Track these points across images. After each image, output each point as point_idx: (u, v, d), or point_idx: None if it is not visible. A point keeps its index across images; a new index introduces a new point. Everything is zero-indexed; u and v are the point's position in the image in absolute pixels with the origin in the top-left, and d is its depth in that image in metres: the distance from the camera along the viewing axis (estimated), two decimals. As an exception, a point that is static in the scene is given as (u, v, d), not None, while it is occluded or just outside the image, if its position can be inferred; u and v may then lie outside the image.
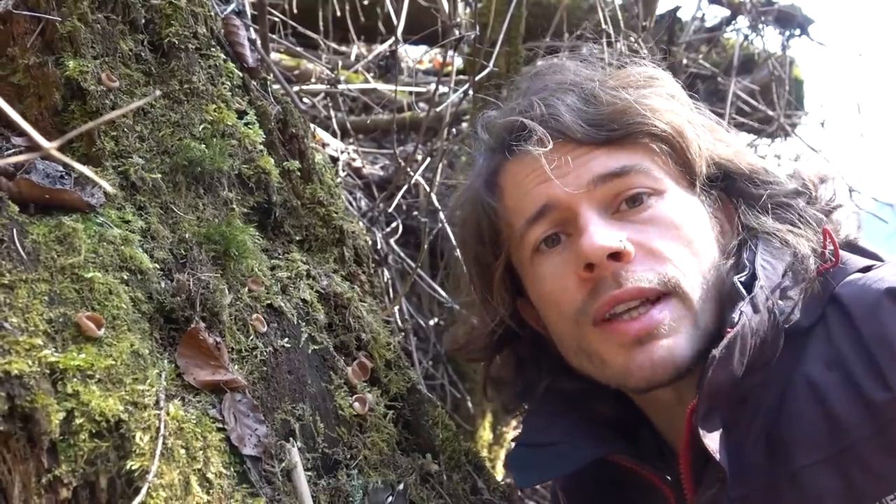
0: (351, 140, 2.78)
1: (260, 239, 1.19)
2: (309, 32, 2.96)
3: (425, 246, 2.16)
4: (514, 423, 2.30)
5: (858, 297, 0.98)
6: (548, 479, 1.41)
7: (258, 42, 1.72)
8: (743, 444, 0.98)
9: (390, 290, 2.22)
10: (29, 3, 1.10)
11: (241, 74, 1.27)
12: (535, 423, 1.18)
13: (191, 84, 1.17)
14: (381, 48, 2.95)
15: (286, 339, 1.10)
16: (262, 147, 1.23)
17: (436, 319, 2.39)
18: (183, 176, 1.11)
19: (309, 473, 1.01)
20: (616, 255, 0.98)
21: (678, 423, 0.99)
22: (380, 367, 1.21)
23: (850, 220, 1.13)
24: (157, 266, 1.01)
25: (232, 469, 0.92)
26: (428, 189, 2.19)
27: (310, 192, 1.29)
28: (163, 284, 0.99)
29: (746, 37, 3.26)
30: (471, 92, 2.08)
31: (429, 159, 2.37)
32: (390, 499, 1.07)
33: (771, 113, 3.03)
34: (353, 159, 2.66)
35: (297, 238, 1.26)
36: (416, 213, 2.47)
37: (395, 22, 2.23)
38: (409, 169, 2.27)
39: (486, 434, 2.39)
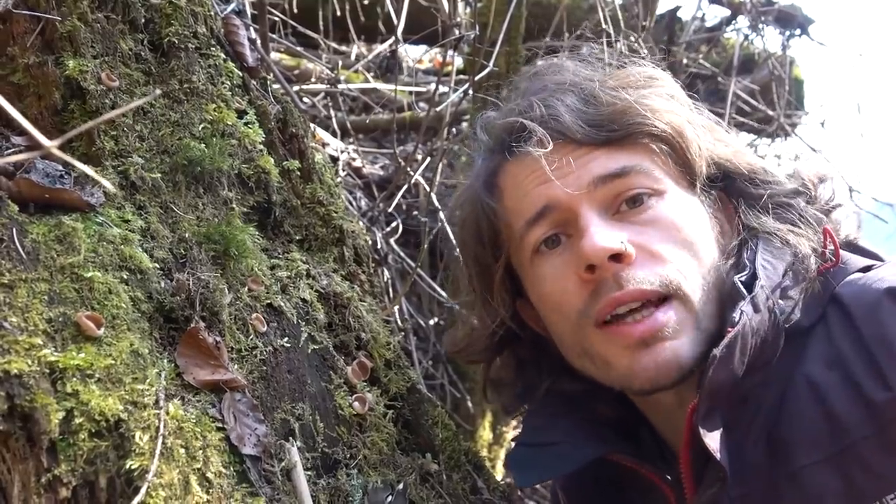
0: (351, 140, 2.78)
1: (260, 238, 1.18)
2: (309, 32, 2.96)
3: (425, 246, 2.16)
4: (514, 423, 2.29)
5: (859, 296, 0.98)
6: (548, 479, 1.41)
7: (258, 42, 1.72)
8: (743, 443, 0.98)
9: (390, 290, 2.22)
10: (29, 2, 1.10)
11: (240, 74, 1.27)
12: (536, 422, 1.18)
13: (191, 83, 1.17)
14: (381, 48, 2.96)
15: (286, 339, 1.10)
16: (261, 147, 1.23)
17: (436, 319, 2.39)
18: (183, 175, 1.11)
19: (308, 473, 1.00)
20: (617, 257, 0.98)
21: (679, 426, 0.99)
22: (379, 366, 1.21)
23: (850, 220, 1.13)
24: (157, 265, 1.01)
25: (231, 468, 0.92)
26: (428, 189, 2.19)
27: (310, 191, 1.29)
28: (162, 284, 0.99)
29: (746, 37, 3.26)
30: (471, 92, 2.07)
31: (429, 159, 2.37)
32: (390, 498, 1.06)
33: (771, 113, 3.03)
34: (353, 159, 2.66)
35: (297, 237, 1.26)
36: (416, 212, 2.46)
37: (395, 21, 2.23)
38: (409, 169, 2.27)
39: (485, 434, 2.39)
